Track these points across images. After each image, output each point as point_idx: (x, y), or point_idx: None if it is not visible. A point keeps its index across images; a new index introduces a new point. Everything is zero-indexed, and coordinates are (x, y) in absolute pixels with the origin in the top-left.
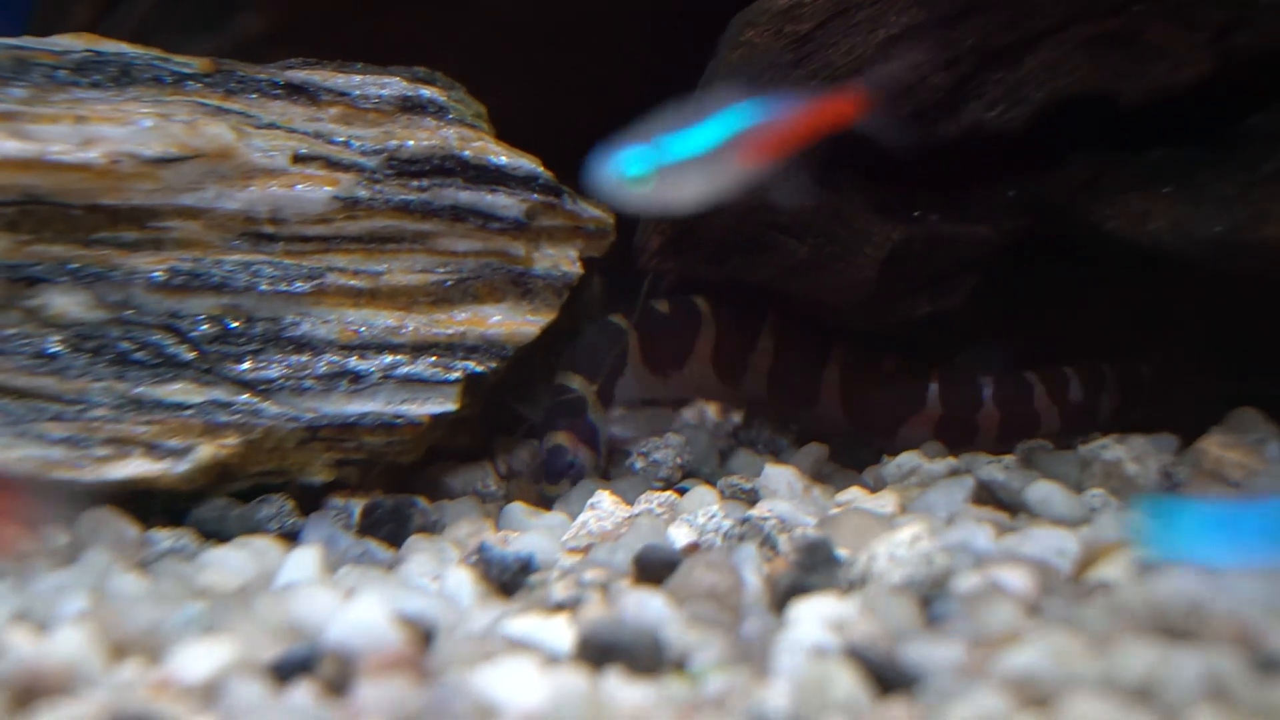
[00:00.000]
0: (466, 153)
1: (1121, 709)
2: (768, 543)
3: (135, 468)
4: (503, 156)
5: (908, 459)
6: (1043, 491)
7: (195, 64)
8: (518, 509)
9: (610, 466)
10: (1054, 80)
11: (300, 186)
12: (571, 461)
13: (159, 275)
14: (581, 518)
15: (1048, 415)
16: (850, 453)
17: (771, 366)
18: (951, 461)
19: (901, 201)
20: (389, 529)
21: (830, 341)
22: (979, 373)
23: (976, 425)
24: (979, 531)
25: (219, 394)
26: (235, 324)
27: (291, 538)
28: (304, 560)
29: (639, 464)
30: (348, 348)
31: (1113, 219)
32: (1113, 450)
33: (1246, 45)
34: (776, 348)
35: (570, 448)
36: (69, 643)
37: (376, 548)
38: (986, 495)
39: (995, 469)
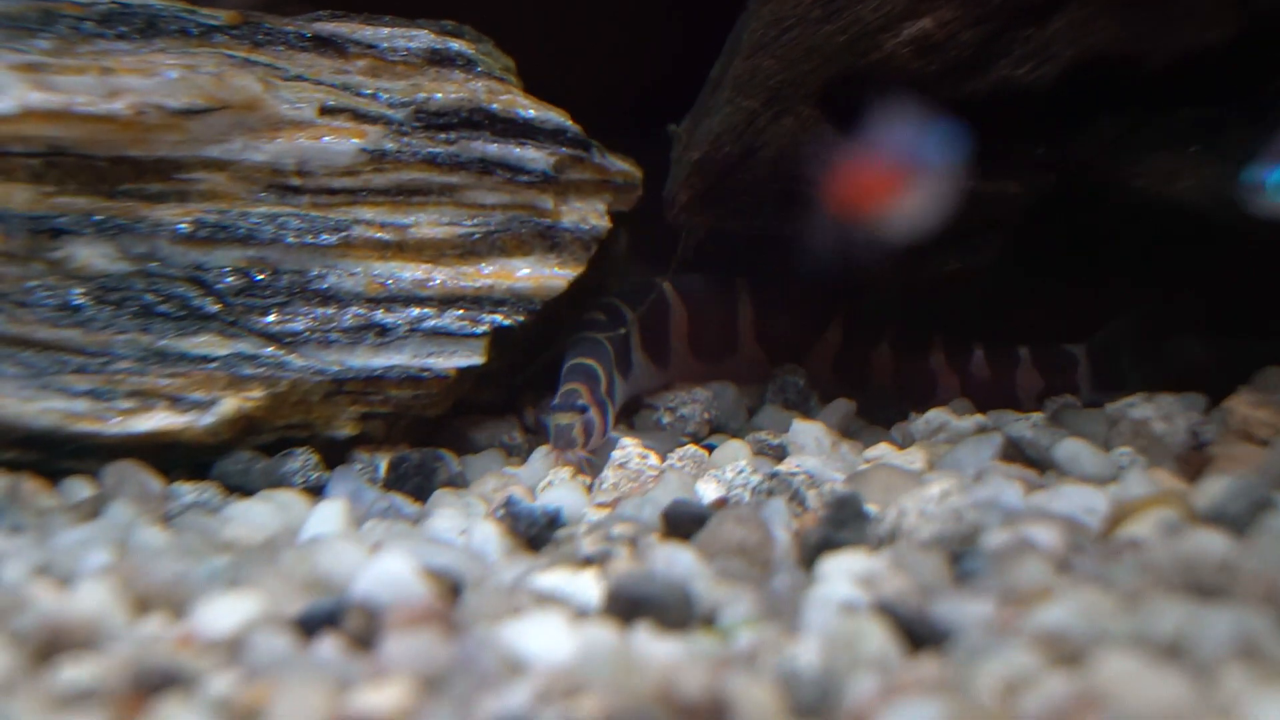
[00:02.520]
0: (495, 105)
1: (1152, 666)
2: (796, 498)
3: (159, 420)
4: (531, 110)
5: (936, 415)
6: (1071, 449)
7: (222, 16)
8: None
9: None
10: (1082, 39)
11: (327, 139)
12: (584, 406)
13: (184, 227)
14: (607, 472)
15: (946, 383)
16: (878, 409)
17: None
18: (980, 419)
19: None
20: (415, 483)
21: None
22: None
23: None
24: (1008, 488)
25: (244, 347)
26: (261, 276)
27: (317, 491)
28: (329, 514)
29: (666, 419)
30: (374, 300)
31: (1140, 177)
32: (1140, 408)
33: (1273, 6)
34: (758, 316)
35: (586, 396)
36: (92, 597)
37: (402, 502)
38: (1015, 452)
39: (1024, 426)
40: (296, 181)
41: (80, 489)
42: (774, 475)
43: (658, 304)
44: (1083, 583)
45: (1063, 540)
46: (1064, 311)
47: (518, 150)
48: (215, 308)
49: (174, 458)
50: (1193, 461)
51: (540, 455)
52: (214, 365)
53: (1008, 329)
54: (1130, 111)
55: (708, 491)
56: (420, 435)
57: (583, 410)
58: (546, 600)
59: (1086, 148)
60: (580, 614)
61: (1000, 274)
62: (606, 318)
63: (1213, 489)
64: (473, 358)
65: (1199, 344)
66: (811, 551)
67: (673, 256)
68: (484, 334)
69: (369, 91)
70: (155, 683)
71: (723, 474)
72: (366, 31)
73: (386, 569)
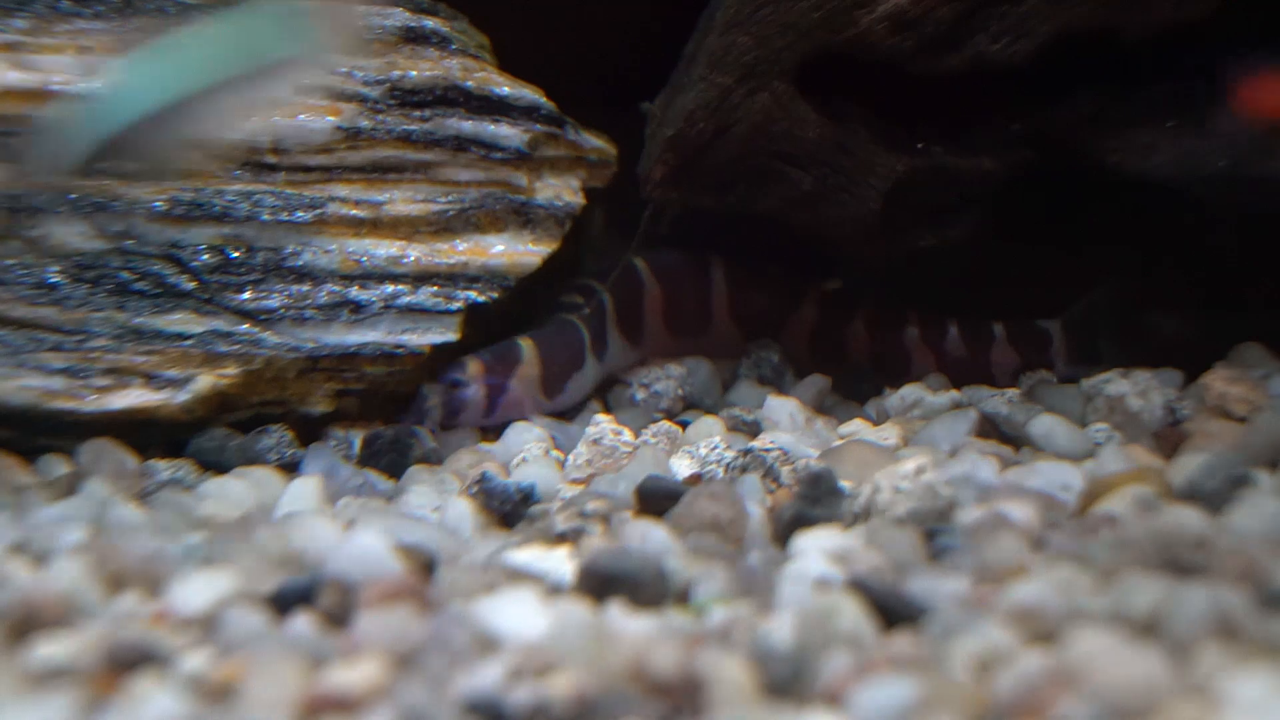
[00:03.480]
0: (469, 83)
1: (1128, 643)
2: (770, 474)
3: (135, 398)
4: (505, 87)
5: (911, 391)
6: (1046, 425)
7: None
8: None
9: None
10: (1059, 15)
11: (303, 116)
12: (460, 381)
13: (160, 205)
14: (581, 448)
15: (921, 359)
16: (853, 385)
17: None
18: (955, 395)
19: (906, 133)
20: (389, 460)
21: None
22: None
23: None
24: (983, 464)
25: (219, 324)
26: (236, 254)
27: (291, 468)
28: (304, 491)
29: (640, 395)
30: (349, 277)
31: (1117, 152)
32: (1116, 385)
33: None
34: (732, 294)
35: (471, 372)
36: (67, 574)
37: (377, 478)
38: (990, 428)
39: (999, 402)
40: (272, 159)
41: (56, 466)
42: (748, 451)
43: (632, 281)
44: (1058, 559)
45: (1038, 517)
46: (1040, 286)
47: (492, 127)
48: (191, 285)
49: (150, 435)
50: (1169, 438)
51: (514, 431)
52: (189, 343)
53: (983, 304)
54: (1106, 86)
55: (682, 468)
56: (396, 412)
57: (456, 385)
58: (520, 577)
59: (1062, 123)
60: (554, 591)
61: (976, 249)
62: (582, 298)
63: (1189, 465)
64: (447, 334)
65: (1174, 318)
66: (785, 528)
67: (637, 232)
68: (458, 310)
69: (344, 69)
70: (129, 660)
71: (697, 450)
72: None
73: (360, 546)
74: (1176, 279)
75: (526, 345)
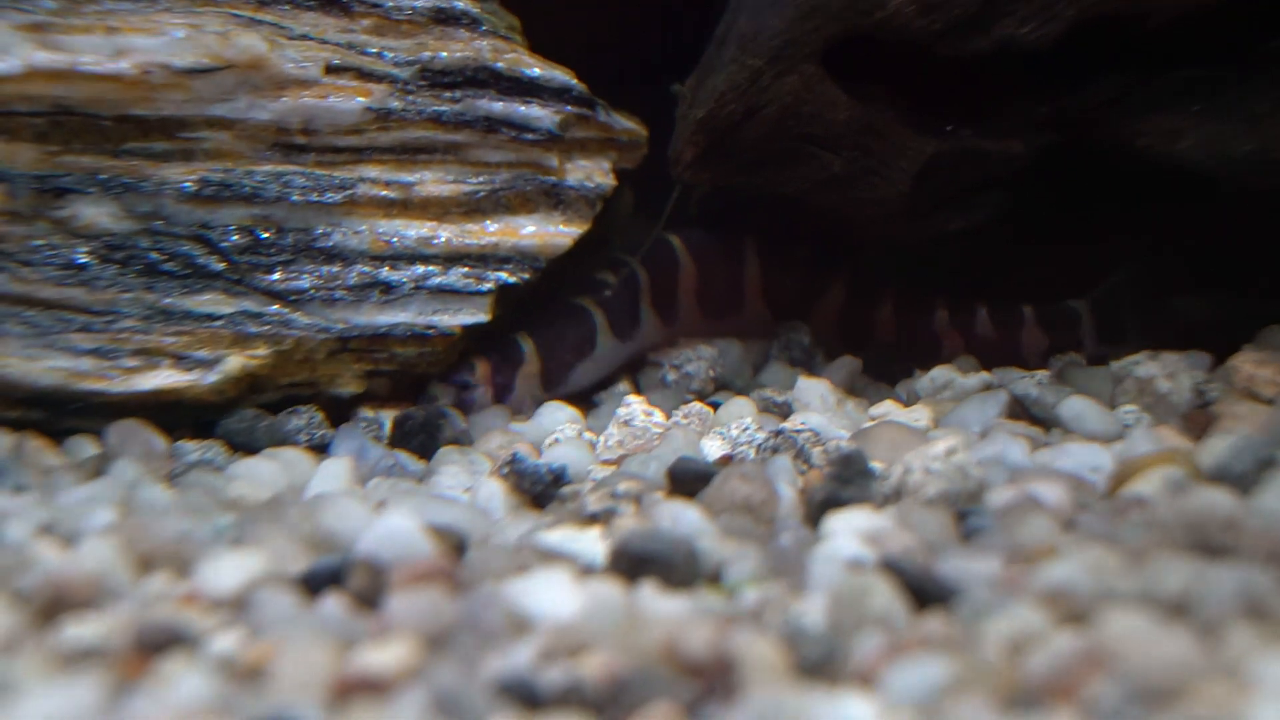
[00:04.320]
0: (500, 64)
1: (1158, 624)
2: (801, 455)
3: (164, 378)
4: (536, 68)
5: (941, 373)
6: (1076, 407)
7: None
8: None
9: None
10: None
11: (333, 97)
12: (469, 383)
13: (189, 186)
14: (612, 429)
15: (950, 341)
16: (883, 366)
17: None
18: (985, 376)
19: (935, 116)
20: (420, 440)
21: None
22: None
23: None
24: (1013, 446)
25: (249, 304)
26: (266, 234)
27: (321, 449)
28: (334, 471)
29: (671, 376)
30: (379, 258)
31: (1143, 136)
32: (1145, 366)
33: None
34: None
35: (480, 374)
36: (96, 556)
37: (407, 459)
38: (1020, 410)
39: (1029, 384)
40: (302, 140)
41: (85, 448)
42: (779, 432)
43: (668, 259)
44: (1088, 541)
45: (1068, 498)
46: (1066, 268)
47: (523, 109)
48: (220, 266)
49: (178, 416)
50: (1197, 419)
51: (546, 411)
52: (219, 323)
53: (1010, 285)
54: (1132, 70)
55: (713, 449)
56: (428, 388)
57: (465, 386)
58: (552, 558)
59: (1089, 106)
60: (585, 571)
61: (1002, 231)
62: (615, 275)
63: (1217, 447)
64: (478, 315)
65: (1200, 300)
66: (817, 509)
67: (665, 211)
68: (489, 291)
69: (374, 50)
70: (159, 641)
71: (728, 431)
72: None
73: (391, 527)
74: (1200, 260)
75: (528, 345)
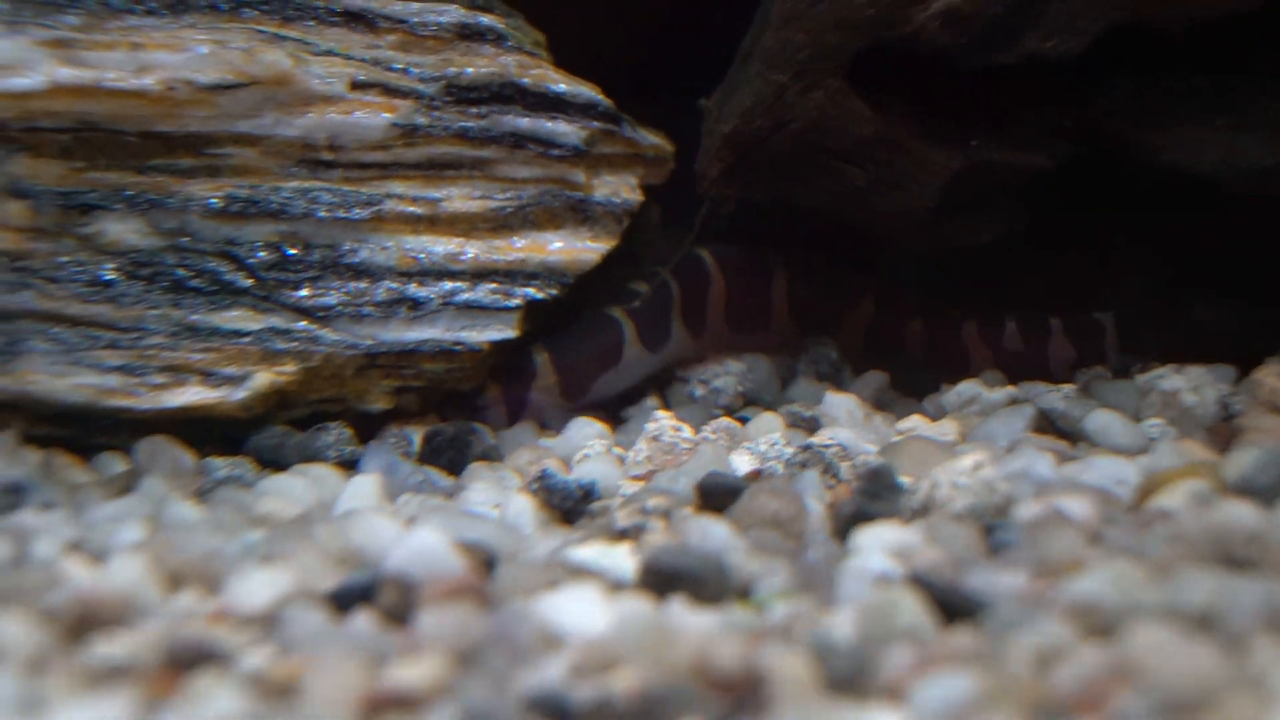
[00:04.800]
0: (525, 80)
1: (1184, 637)
2: (830, 470)
3: (192, 395)
4: (562, 84)
5: (968, 387)
6: (1102, 420)
7: None
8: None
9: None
10: (1109, 10)
11: (358, 113)
12: (481, 405)
13: (216, 202)
14: (641, 444)
15: (979, 355)
16: (911, 381)
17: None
18: (1011, 390)
19: (959, 130)
20: (449, 456)
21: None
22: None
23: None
24: (1040, 459)
25: (276, 321)
26: (293, 251)
27: (350, 465)
28: (363, 488)
29: (699, 391)
30: (407, 274)
31: (1165, 148)
32: (1170, 380)
33: None
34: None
35: (490, 396)
36: (125, 573)
37: (437, 475)
38: (1046, 424)
39: (1055, 398)
40: (328, 156)
41: (113, 464)
42: (807, 447)
43: (698, 272)
44: (1114, 554)
45: (1094, 511)
46: (1090, 279)
47: (549, 124)
48: (248, 282)
49: (207, 433)
50: (1222, 433)
51: (575, 427)
52: (247, 340)
53: (1034, 297)
54: (1154, 81)
55: (741, 464)
56: (454, 408)
57: (477, 409)
58: (581, 573)
59: (1111, 118)
60: (615, 587)
61: (1027, 242)
62: (648, 287)
63: (1243, 460)
64: (506, 331)
65: (1221, 311)
66: (845, 523)
67: (693, 227)
68: (517, 307)
69: (400, 66)
70: (189, 658)
71: (756, 446)
72: (396, 6)
73: (421, 543)
74: (1222, 271)
75: (541, 357)
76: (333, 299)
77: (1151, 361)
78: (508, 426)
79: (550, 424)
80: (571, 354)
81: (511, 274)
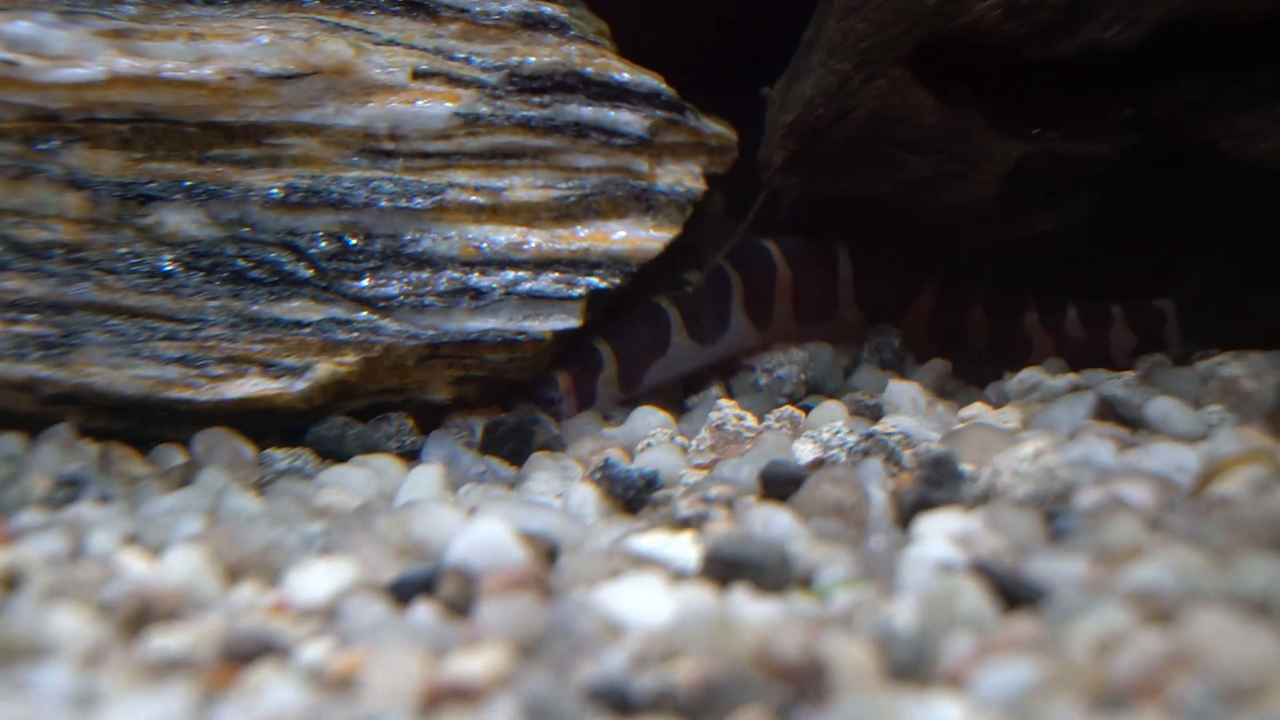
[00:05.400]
0: (588, 69)
1: (1243, 623)
2: (892, 458)
3: (252, 386)
4: (625, 73)
5: (1030, 375)
6: (1162, 408)
7: None
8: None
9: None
10: (1168, 0)
11: (420, 103)
12: (554, 398)
13: (276, 192)
14: (704, 433)
15: (1041, 343)
16: (973, 369)
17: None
18: (1073, 378)
19: (1022, 119)
20: (511, 446)
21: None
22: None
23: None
24: (1100, 447)
25: (337, 311)
26: (354, 241)
27: (411, 456)
28: (424, 479)
29: (762, 380)
30: (469, 264)
31: (1225, 138)
32: (1230, 367)
33: None
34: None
35: (563, 387)
36: (182, 566)
37: (499, 465)
38: (1107, 411)
39: (1116, 385)
40: (389, 146)
41: (171, 456)
42: (870, 435)
43: (764, 264)
44: (1174, 540)
45: (1154, 498)
46: (1152, 267)
47: (612, 114)
48: (308, 273)
49: (266, 424)
50: None
51: (639, 416)
52: (307, 330)
53: (1097, 285)
54: (1214, 72)
55: (804, 452)
56: (516, 398)
57: (552, 402)
58: (643, 563)
59: (1172, 108)
60: (677, 576)
61: (1089, 231)
62: (706, 279)
63: None
64: (569, 320)
65: (1277, 300)
66: (907, 511)
67: (751, 212)
68: (580, 297)
69: (462, 55)
70: (247, 651)
71: (819, 434)
72: None
73: (482, 533)
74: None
75: (605, 349)
76: (394, 289)
77: (1213, 349)
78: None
79: (612, 416)
80: (628, 344)
81: (575, 263)
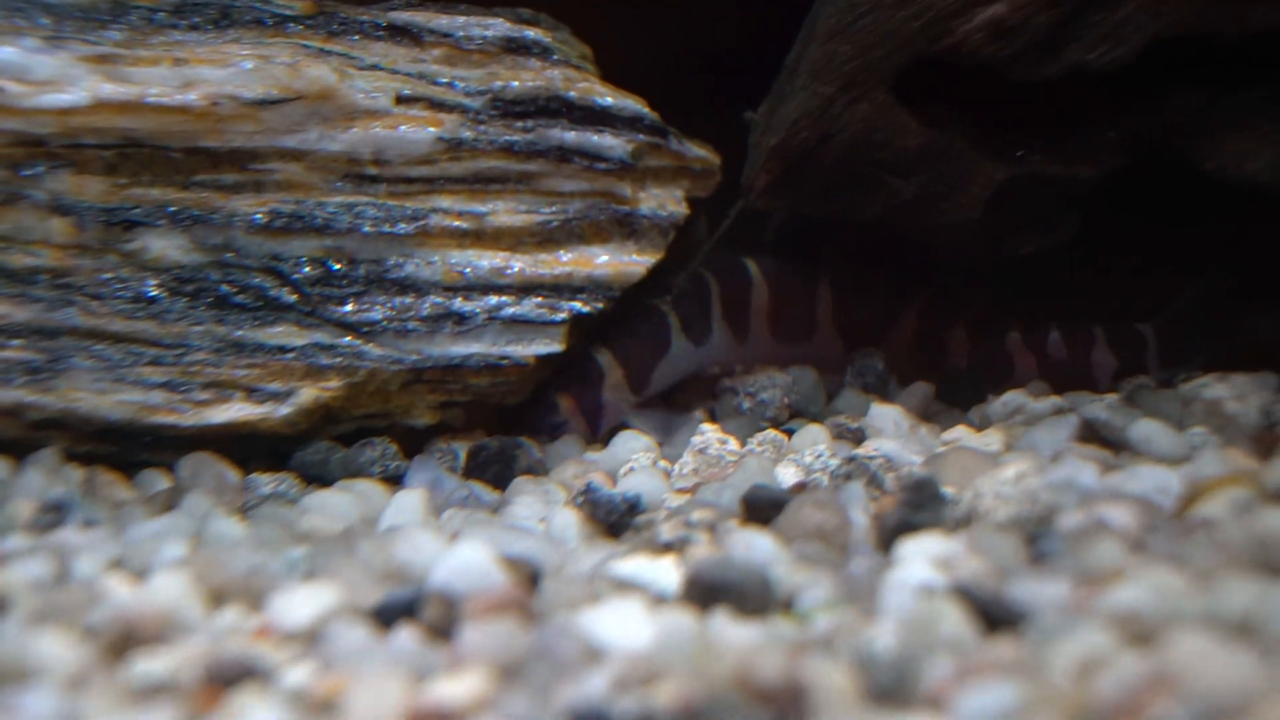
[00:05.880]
0: (572, 93)
1: (1224, 645)
2: (874, 481)
3: (236, 411)
4: (608, 97)
5: (1013, 397)
6: (1145, 430)
7: (296, 6)
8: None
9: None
10: (1154, 22)
11: (404, 128)
12: (558, 422)
13: (260, 217)
14: (687, 457)
15: (1023, 364)
16: (956, 392)
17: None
18: (1056, 400)
19: (1005, 141)
20: (495, 471)
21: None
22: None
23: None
24: (1083, 469)
25: (321, 336)
26: (338, 266)
27: (395, 481)
28: (408, 503)
29: (746, 404)
30: (452, 289)
31: (1211, 158)
32: (1214, 389)
33: None
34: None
35: (566, 409)
36: (167, 589)
37: (482, 490)
38: (1090, 433)
39: (1099, 407)
40: (373, 171)
41: (156, 481)
42: (852, 459)
43: (741, 279)
44: (1156, 562)
45: (1137, 520)
46: (1138, 288)
47: (595, 138)
48: (292, 298)
49: (251, 449)
50: (1265, 441)
51: (621, 440)
52: (291, 355)
53: (1082, 307)
54: (1201, 91)
55: (787, 476)
56: (500, 423)
57: (556, 428)
58: (625, 587)
59: (1158, 129)
60: (659, 600)
61: (1074, 253)
62: (689, 286)
63: None
64: (552, 345)
65: (1266, 319)
66: (889, 534)
67: (723, 225)
68: (563, 321)
69: (445, 80)
70: (231, 675)
71: (802, 458)
72: (442, 20)
73: (465, 558)
74: (1271, 278)
75: (604, 356)
76: (378, 314)
77: (1194, 372)
78: (593, 436)
79: (628, 421)
80: (631, 346)
81: (558, 288)
